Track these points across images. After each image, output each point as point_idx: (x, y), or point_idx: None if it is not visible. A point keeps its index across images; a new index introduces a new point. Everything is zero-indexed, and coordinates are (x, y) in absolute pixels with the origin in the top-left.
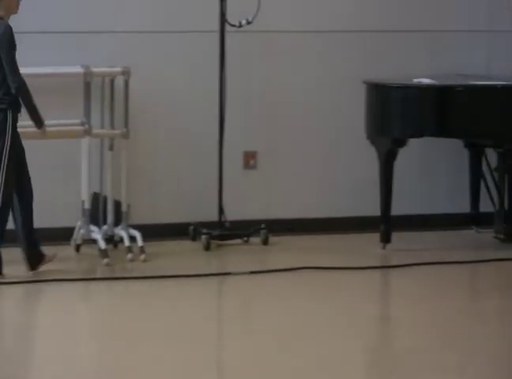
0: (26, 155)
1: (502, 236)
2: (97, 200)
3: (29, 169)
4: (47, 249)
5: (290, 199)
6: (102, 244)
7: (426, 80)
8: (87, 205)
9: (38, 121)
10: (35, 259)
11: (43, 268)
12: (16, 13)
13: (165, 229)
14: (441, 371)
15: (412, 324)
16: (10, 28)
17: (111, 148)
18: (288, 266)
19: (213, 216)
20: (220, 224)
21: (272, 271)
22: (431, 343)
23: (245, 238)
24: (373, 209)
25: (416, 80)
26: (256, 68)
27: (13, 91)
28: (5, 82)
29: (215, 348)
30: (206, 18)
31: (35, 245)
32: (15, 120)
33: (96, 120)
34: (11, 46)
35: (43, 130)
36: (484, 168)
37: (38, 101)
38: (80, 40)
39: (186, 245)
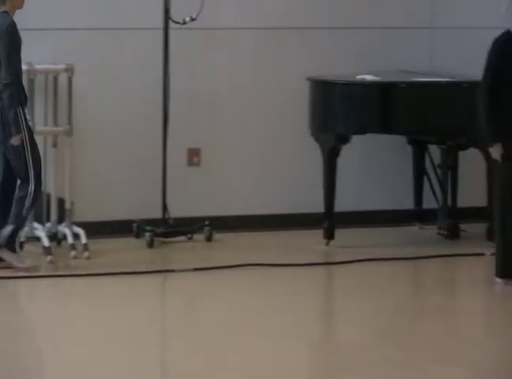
0: None
1: (445, 232)
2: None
3: None
4: None
5: (234, 196)
6: (45, 241)
7: (369, 77)
8: None
9: (18, 125)
10: None
11: None
12: (21, 8)
13: (109, 226)
14: (384, 366)
15: (355, 319)
16: (14, 24)
17: (55, 145)
18: (232, 263)
19: (157, 213)
20: (163, 221)
21: (216, 268)
22: (374, 338)
23: (189, 235)
24: (317, 206)
25: (359, 77)
26: (200, 65)
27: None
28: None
29: (158, 345)
30: (150, 15)
31: None
32: (25, 113)
33: (40, 117)
34: (11, 41)
35: (20, 137)
36: (428, 165)
37: None
38: (23, 38)
39: (129, 242)
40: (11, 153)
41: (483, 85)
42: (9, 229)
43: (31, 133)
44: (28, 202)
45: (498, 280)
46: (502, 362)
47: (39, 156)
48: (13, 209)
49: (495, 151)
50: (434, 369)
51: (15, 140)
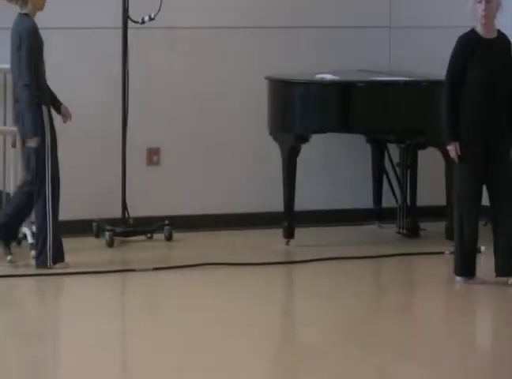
0: None
1: (404, 231)
2: (0, 197)
3: None
4: None
5: (193, 195)
6: None
7: (328, 76)
8: None
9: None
10: None
11: None
12: (42, 9)
13: (68, 225)
14: (344, 365)
15: (315, 318)
16: (35, 26)
17: (14, 145)
18: (192, 262)
19: (117, 213)
20: (123, 221)
21: (175, 267)
22: (335, 337)
23: (148, 235)
24: (277, 205)
25: (318, 76)
26: (159, 64)
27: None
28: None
29: (119, 345)
30: (109, 15)
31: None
32: (50, 114)
33: None
34: (32, 43)
35: (35, 140)
36: (387, 164)
37: None
38: None
39: (89, 241)
40: (33, 153)
41: (445, 84)
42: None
43: (54, 133)
44: (48, 209)
45: (458, 279)
46: (462, 360)
47: (57, 157)
48: (13, 199)
49: (452, 151)
50: (394, 368)
51: (31, 142)
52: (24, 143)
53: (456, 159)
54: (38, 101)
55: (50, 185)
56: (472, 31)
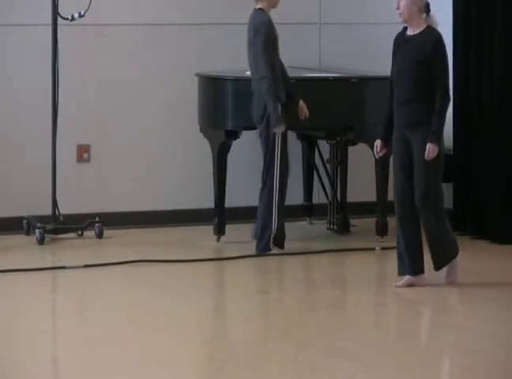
0: None
1: (334, 227)
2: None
3: None
4: None
5: (124, 192)
6: None
7: None
8: None
9: (278, 116)
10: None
11: None
12: (275, 7)
13: None
14: (274, 361)
15: (246, 315)
16: (269, 20)
17: None
18: (123, 259)
19: (47, 210)
20: (54, 218)
21: (106, 264)
22: (265, 333)
23: (79, 232)
24: (207, 201)
25: (248, 73)
26: (89, 61)
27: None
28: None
29: (50, 342)
30: (39, 12)
31: None
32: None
33: None
34: (266, 37)
35: (280, 128)
36: (317, 160)
37: None
38: None
39: (19, 239)
40: (265, 142)
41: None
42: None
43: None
44: (275, 197)
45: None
46: (393, 355)
47: (287, 152)
48: (261, 202)
49: (375, 147)
50: (324, 363)
51: (278, 129)
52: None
53: (376, 156)
54: (274, 92)
55: (278, 173)
56: (403, 29)
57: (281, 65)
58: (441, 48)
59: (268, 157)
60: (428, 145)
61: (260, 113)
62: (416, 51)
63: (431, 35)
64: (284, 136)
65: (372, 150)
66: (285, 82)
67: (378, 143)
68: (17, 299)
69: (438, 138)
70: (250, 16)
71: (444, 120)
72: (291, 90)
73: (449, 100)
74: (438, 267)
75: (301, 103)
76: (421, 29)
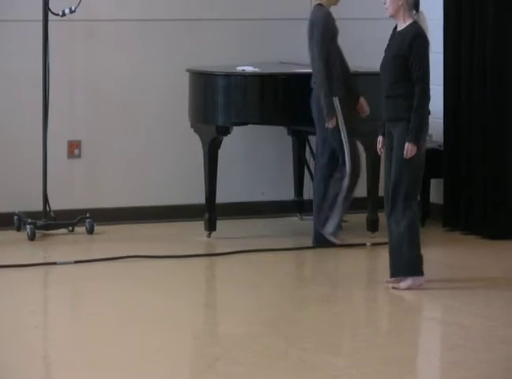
0: None
1: None
2: None
3: None
4: None
5: (115, 188)
6: None
7: (249, 68)
8: None
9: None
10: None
11: None
12: (336, 4)
13: None
14: (266, 356)
15: (238, 310)
16: (327, 15)
17: None
18: (114, 255)
19: (38, 206)
20: (44, 214)
21: (97, 260)
22: (257, 329)
23: (70, 228)
24: (198, 197)
25: (239, 68)
26: (80, 57)
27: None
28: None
29: (40, 338)
30: (30, 7)
31: None
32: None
33: None
34: (323, 32)
35: (332, 122)
36: (308, 155)
37: None
38: None
39: (10, 235)
40: (330, 136)
41: None
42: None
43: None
44: (344, 185)
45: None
46: (383, 350)
47: (355, 143)
48: (330, 191)
49: (377, 143)
50: (314, 359)
51: (329, 123)
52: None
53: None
54: (329, 88)
55: (349, 168)
56: (396, 25)
57: (342, 61)
58: (418, 45)
59: (340, 153)
60: (406, 145)
61: (317, 108)
62: (396, 47)
63: (412, 30)
64: (350, 133)
65: (364, 145)
66: (346, 78)
67: (380, 139)
68: (8, 295)
69: (414, 137)
70: (311, 11)
71: (422, 119)
72: (353, 86)
73: (426, 99)
74: (391, 274)
75: (361, 99)
76: (406, 25)
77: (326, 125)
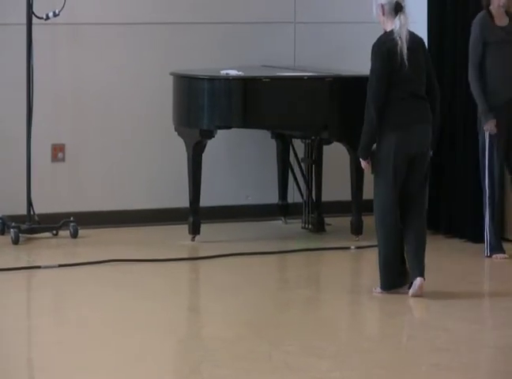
0: None
1: (309, 226)
2: None
3: None
4: None
5: (99, 191)
6: None
7: (233, 72)
8: None
9: None
10: None
11: None
12: None
13: None
14: (249, 359)
15: (222, 314)
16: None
17: None
18: (98, 259)
19: (22, 210)
20: (28, 218)
21: (81, 264)
22: (241, 332)
23: (54, 232)
24: (182, 201)
25: (223, 72)
26: (64, 60)
27: None
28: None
29: (25, 342)
30: (13, 11)
31: None
32: None
33: None
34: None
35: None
36: (292, 159)
37: None
38: None
39: None
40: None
41: None
42: None
43: None
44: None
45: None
46: (368, 354)
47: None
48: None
49: None
50: (298, 362)
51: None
52: None
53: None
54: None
55: (488, 188)
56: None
57: None
58: (371, 56)
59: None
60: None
61: None
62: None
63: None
64: (493, 142)
65: (348, 148)
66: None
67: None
68: None
69: (360, 153)
70: None
71: (366, 137)
72: None
73: (369, 117)
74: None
75: None
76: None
77: (485, 128)
